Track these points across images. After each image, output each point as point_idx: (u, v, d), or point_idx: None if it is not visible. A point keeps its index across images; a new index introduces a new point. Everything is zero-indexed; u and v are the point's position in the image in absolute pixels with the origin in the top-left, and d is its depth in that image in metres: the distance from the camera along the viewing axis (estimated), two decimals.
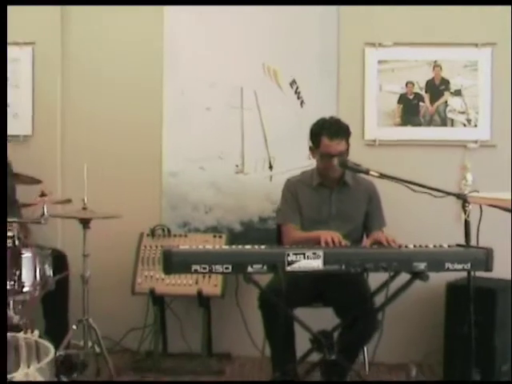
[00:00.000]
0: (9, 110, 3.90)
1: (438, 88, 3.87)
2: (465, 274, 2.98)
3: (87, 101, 4.03)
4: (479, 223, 2.90)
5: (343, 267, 2.68)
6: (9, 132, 3.90)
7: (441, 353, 3.52)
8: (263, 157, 3.96)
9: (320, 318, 3.14)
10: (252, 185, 3.96)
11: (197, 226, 4.00)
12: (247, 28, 3.94)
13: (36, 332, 2.19)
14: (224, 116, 3.95)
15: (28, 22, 3.95)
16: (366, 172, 3.05)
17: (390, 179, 3.01)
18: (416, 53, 3.85)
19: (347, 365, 3.03)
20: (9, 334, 1.14)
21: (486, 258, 2.76)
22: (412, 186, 2.94)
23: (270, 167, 3.95)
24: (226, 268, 2.61)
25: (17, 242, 2.88)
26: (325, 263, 2.65)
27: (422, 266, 2.71)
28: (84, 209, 3.28)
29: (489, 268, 2.78)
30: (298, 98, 3.92)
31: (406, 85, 3.87)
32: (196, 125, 3.97)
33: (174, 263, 2.62)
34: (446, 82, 3.86)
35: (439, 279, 3.24)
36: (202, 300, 3.67)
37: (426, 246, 2.85)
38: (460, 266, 2.76)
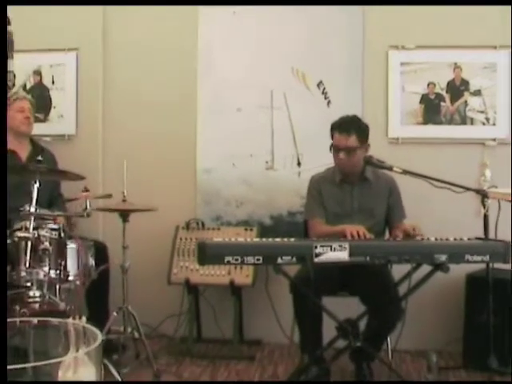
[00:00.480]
0: (54, 111, 4.09)
1: (458, 88, 3.90)
2: (484, 265, 3.08)
3: (126, 102, 4.13)
4: (498, 217, 3.01)
5: (368, 259, 2.74)
6: (54, 132, 4.21)
7: (460, 341, 3.56)
8: (292, 154, 4.01)
9: (345, 307, 3.20)
10: (281, 181, 4.01)
11: (229, 220, 4.07)
12: (276, 32, 3.99)
13: (84, 318, 2.31)
14: (255, 116, 4.02)
15: (72, 28, 4.06)
16: (390, 168, 3.11)
17: (413, 175, 3.08)
18: (437, 55, 3.88)
19: (373, 351, 3.10)
20: (58, 320, 1.25)
21: (504, 251, 2.81)
22: (434, 182, 3.00)
23: (299, 164, 4.00)
24: (258, 259, 2.68)
25: (62, 234, 2.93)
26: (350, 255, 2.71)
27: (442, 257, 2.76)
28: (124, 201, 3.33)
29: (507, 260, 2.83)
30: (325, 98, 3.98)
31: (428, 85, 3.91)
32: (228, 124, 4.04)
33: (207, 255, 2.69)
34: (465, 83, 3.89)
35: (459, 271, 3.22)
36: (234, 289, 3.74)
37: (447, 239, 2.88)
38: (479, 258, 2.81)
